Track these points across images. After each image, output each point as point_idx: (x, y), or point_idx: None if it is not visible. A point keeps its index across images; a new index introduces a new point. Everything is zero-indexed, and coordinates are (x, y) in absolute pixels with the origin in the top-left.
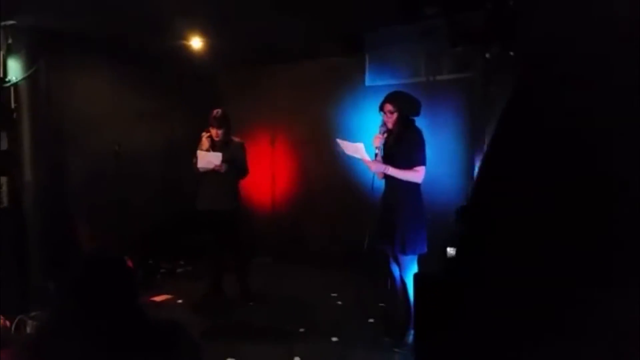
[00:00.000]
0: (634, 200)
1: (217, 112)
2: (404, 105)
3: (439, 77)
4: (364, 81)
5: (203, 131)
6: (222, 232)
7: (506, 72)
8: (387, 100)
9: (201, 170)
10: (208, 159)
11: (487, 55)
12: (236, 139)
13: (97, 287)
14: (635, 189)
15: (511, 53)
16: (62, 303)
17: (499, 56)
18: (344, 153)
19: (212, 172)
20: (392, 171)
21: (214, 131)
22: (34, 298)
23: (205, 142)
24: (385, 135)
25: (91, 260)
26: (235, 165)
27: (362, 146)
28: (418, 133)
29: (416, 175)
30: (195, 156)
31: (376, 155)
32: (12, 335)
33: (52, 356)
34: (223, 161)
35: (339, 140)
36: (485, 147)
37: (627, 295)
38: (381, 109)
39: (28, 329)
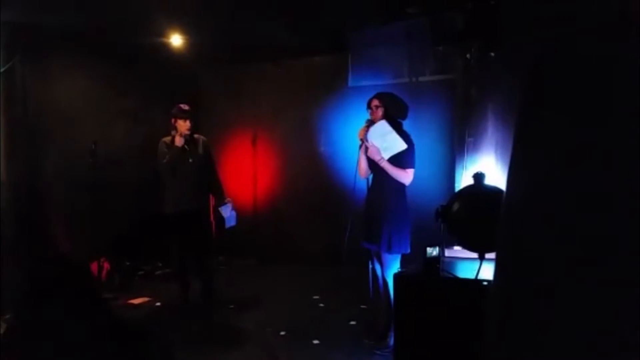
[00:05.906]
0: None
1: (184, 105)
2: (390, 104)
3: (421, 79)
4: (346, 82)
5: (172, 130)
6: (195, 233)
7: (487, 73)
8: (375, 96)
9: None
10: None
11: (468, 56)
12: (201, 136)
13: (59, 291)
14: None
15: (492, 54)
16: (28, 306)
17: (479, 57)
18: (326, 153)
19: (184, 172)
20: (386, 164)
21: (185, 124)
22: (8, 300)
23: (179, 139)
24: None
25: (52, 264)
26: (210, 162)
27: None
28: (407, 136)
29: (406, 176)
30: (164, 157)
31: (360, 146)
32: None
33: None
34: (194, 157)
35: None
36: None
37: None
38: (368, 105)
39: (1, 331)
